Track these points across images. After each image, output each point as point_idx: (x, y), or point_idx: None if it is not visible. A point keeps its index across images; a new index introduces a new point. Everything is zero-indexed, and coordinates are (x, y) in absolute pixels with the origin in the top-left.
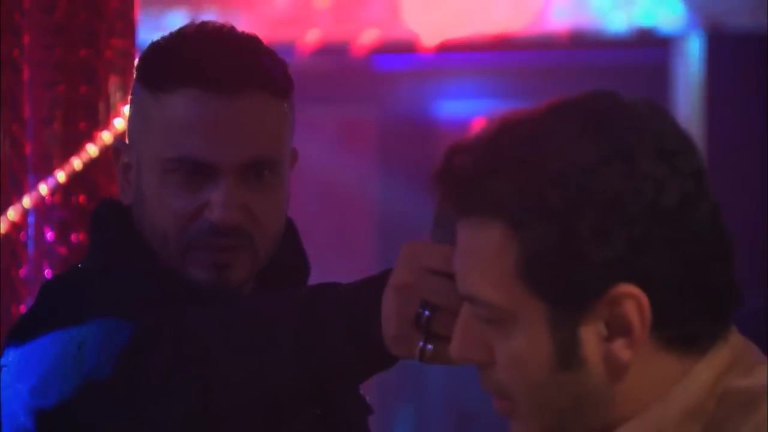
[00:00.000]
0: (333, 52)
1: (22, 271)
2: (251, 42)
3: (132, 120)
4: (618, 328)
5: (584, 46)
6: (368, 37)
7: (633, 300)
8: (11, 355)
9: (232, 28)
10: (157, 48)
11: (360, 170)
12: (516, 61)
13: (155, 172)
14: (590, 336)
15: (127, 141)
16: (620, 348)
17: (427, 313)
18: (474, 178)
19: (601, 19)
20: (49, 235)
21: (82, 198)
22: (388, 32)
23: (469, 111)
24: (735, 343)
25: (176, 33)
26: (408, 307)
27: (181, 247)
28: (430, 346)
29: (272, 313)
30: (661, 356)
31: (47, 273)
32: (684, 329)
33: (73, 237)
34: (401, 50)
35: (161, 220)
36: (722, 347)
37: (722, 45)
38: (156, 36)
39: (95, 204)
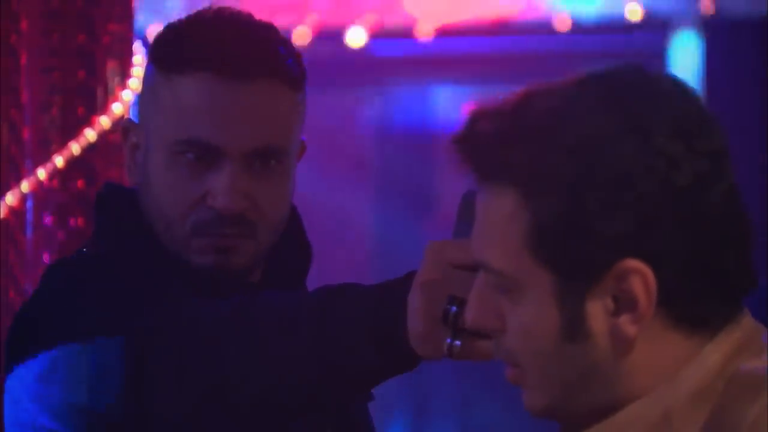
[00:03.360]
0: (331, 38)
1: (21, 256)
2: (267, 30)
3: (142, 100)
4: (624, 303)
5: (582, 32)
6: (366, 22)
7: (639, 275)
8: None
9: (250, 16)
10: (172, 30)
11: (357, 157)
12: (514, 47)
13: (163, 154)
14: (597, 309)
15: (137, 121)
16: (626, 323)
17: (454, 309)
18: (493, 144)
19: (600, 5)
20: (48, 219)
21: (80, 183)
22: (387, 18)
23: (467, 96)
24: (746, 326)
25: (193, 16)
26: (435, 304)
27: (185, 233)
28: (458, 343)
29: (290, 311)
30: (668, 335)
31: (45, 257)
32: (692, 309)
33: (72, 222)
34: (399, 36)
35: (166, 204)
36: (733, 329)
37: (720, 31)
38: (153, 21)
39: (93, 189)
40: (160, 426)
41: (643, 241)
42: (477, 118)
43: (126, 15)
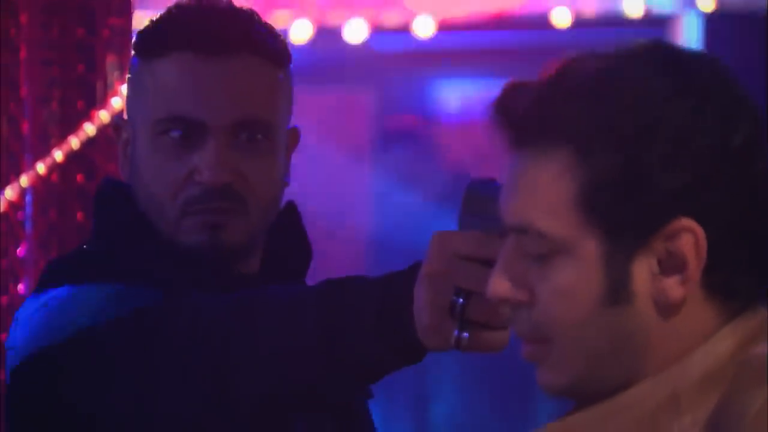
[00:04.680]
0: (330, 33)
1: (20, 251)
2: (246, 12)
3: (128, 94)
4: (672, 265)
5: (581, 26)
6: (365, 17)
7: (691, 234)
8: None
9: (229, 1)
10: (152, 20)
11: (356, 151)
12: (514, 41)
13: (148, 137)
14: (642, 272)
15: (125, 117)
16: (673, 285)
17: (461, 300)
18: (541, 104)
19: None
20: (47, 214)
21: (79, 177)
22: (386, 13)
23: (466, 91)
24: (764, 316)
25: (173, 5)
26: (441, 295)
27: (176, 214)
28: (465, 334)
29: (293, 304)
30: (702, 306)
31: (44, 252)
32: (730, 278)
33: (71, 216)
34: (398, 30)
35: (155, 186)
36: (751, 317)
37: (720, 24)
38: (152, 15)
39: (93, 183)
40: (162, 425)
41: (696, 201)
42: (516, 85)
43: (125, 9)
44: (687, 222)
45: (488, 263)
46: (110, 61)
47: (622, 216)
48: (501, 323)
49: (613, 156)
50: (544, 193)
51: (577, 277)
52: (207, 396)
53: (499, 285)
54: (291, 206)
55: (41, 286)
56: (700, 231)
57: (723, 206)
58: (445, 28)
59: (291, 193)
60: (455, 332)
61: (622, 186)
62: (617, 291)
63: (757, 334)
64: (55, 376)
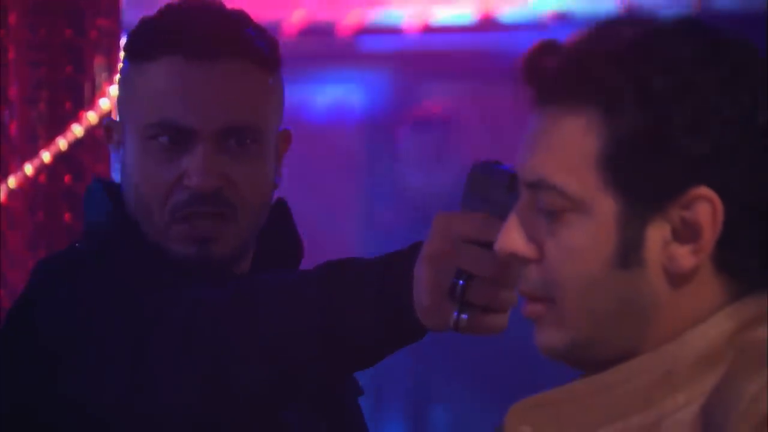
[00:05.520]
0: (319, 33)
1: (8, 252)
2: (237, 14)
3: (119, 95)
4: (687, 233)
5: (570, 27)
6: (354, 17)
7: (709, 204)
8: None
9: (220, 3)
10: (142, 22)
11: (346, 151)
12: (501, 42)
13: (137, 141)
14: (656, 237)
15: (116, 118)
16: (685, 254)
17: (462, 282)
18: (571, 63)
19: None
20: (35, 215)
21: (67, 178)
22: (374, 13)
23: (454, 91)
24: (765, 302)
25: (163, 7)
26: (442, 276)
27: (165, 219)
28: (464, 316)
29: (292, 287)
30: (710, 280)
31: (32, 253)
32: (740, 257)
33: (59, 217)
34: (387, 31)
35: (144, 191)
36: (752, 301)
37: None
38: (140, 16)
39: (81, 184)
40: (159, 417)
41: (717, 172)
42: (547, 43)
43: (113, 10)
44: (706, 191)
45: (490, 246)
46: (98, 62)
47: (642, 178)
48: (500, 307)
49: (640, 116)
50: (566, 150)
51: (589, 236)
52: (205, 387)
53: (508, 239)
54: (282, 204)
55: (31, 285)
56: (718, 202)
57: (743, 182)
58: (432, 29)
59: (279, 192)
60: (454, 314)
61: (646, 147)
62: (628, 254)
63: (758, 318)
64: (55, 367)
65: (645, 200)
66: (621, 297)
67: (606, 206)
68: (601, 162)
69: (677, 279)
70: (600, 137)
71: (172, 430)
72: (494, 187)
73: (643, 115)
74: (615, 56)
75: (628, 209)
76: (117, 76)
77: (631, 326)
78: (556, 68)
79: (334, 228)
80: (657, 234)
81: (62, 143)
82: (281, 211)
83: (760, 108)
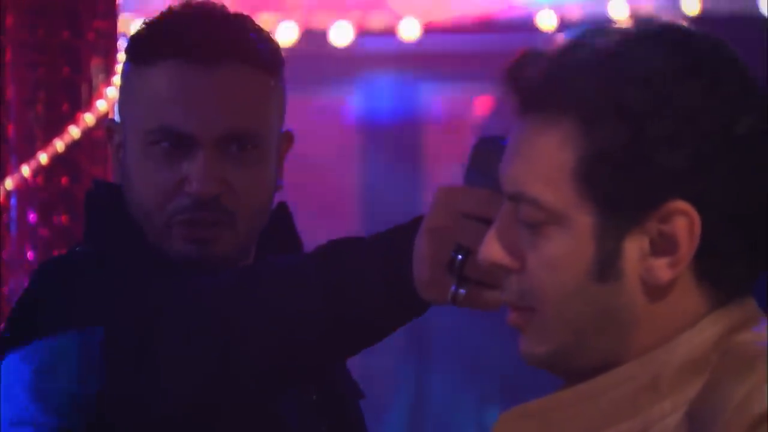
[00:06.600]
0: (315, 36)
1: (5, 253)
2: (238, 18)
3: (120, 98)
4: (664, 246)
5: (566, 30)
6: (351, 19)
7: (686, 218)
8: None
9: (222, 6)
10: (144, 25)
11: (342, 153)
12: (498, 44)
13: (138, 146)
14: (633, 250)
15: (117, 119)
16: (662, 267)
17: (460, 257)
18: (551, 73)
19: (584, 2)
20: (32, 216)
21: (64, 180)
22: (371, 15)
23: (451, 93)
24: (750, 308)
25: (166, 10)
26: (442, 250)
27: (163, 223)
28: (462, 291)
29: (295, 267)
30: (690, 291)
31: (29, 255)
32: (721, 267)
33: (55, 219)
34: (384, 33)
35: (144, 195)
36: (736, 307)
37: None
38: (137, 17)
39: (78, 186)
40: (165, 405)
41: (695, 183)
42: (529, 54)
43: (111, 12)
44: (683, 205)
45: (490, 222)
46: (95, 63)
47: (619, 191)
48: (498, 283)
49: (617, 129)
50: (544, 162)
51: (567, 248)
52: (213, 370)
53: (491, 249)
54: (283, 208)
55: (33, 287)
56: (695, 215)
57: (721, 193)
58: (430, 31)
59: (277, 194)
60: (452, 287)
61: (623, 160)
62: (606, 267)
63: (743, 323)
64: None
65: (622, 213)
66: (599, 309)
67: (584, 219)
68: (577, 175)
69: (655, 291)
70: (577, 150)
71: (178, 423)
72: (498, 163)
73: (619, 128)
74: (593, 69)
75: (606, 222)
76: (115, 78)
77: (612, 336)
78: (536, 78)
79: (334, 228)
80: (635, 246)
81: (59, 145)
82: (282, 215)
83: (739, 118)
